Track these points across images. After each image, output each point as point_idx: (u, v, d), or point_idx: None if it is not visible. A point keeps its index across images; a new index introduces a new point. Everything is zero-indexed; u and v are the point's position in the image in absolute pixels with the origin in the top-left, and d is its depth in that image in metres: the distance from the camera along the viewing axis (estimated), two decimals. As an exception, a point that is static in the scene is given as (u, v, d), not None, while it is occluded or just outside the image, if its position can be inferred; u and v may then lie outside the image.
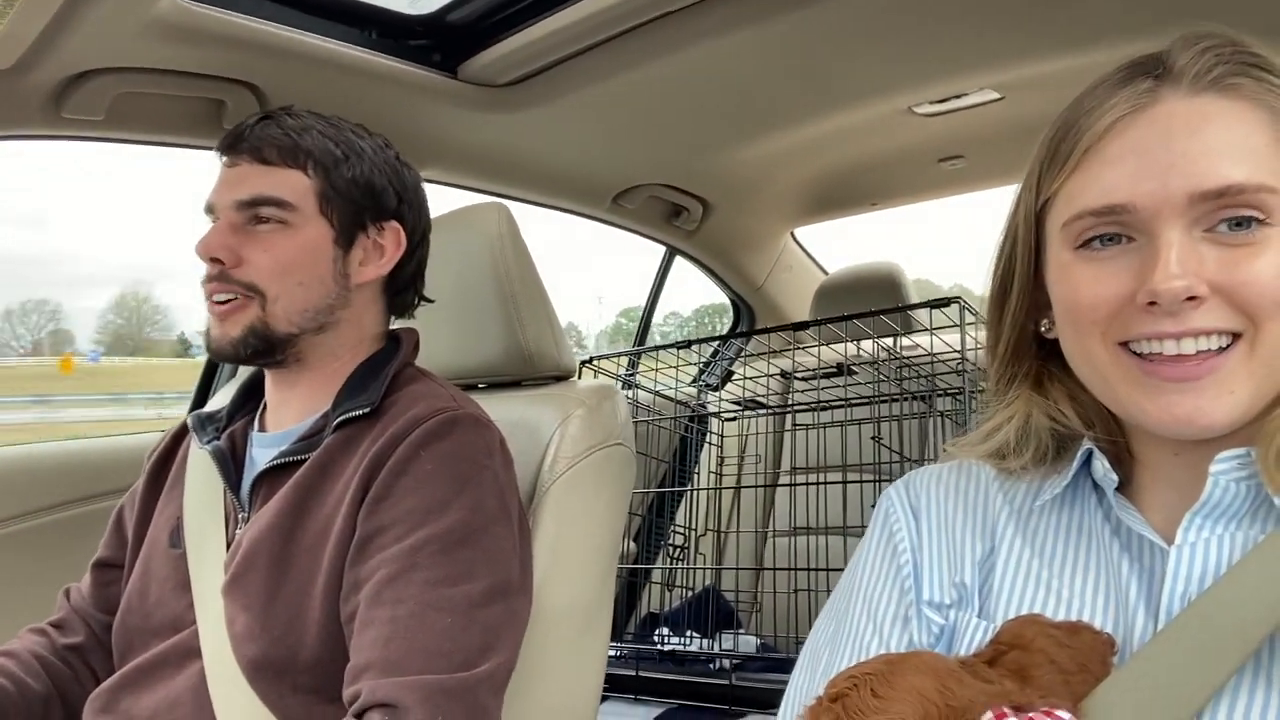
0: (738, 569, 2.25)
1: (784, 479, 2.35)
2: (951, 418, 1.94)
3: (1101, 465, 0.67)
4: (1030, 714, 0.54)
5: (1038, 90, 1.62)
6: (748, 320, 2.72)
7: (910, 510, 0.76)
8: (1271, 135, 0.60)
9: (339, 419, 0.98)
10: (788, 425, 2.36)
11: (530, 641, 0.97)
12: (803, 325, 1.79)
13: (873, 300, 2.18)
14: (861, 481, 1.87)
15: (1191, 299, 0.58)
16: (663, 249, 2.48)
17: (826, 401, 2.02)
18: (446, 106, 1.49)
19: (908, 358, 1.84)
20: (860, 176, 2.19)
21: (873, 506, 1.83)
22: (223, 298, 0.98)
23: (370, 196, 1.04)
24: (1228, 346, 0.59)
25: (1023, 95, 1.67)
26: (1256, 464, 0.60)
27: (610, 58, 1.41)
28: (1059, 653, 0.59)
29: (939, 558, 0.72)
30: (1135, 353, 0.62)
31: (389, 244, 1.06)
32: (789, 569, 1.88)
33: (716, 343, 2.56)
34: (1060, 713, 0.54)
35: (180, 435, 1.14)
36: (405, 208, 1.07)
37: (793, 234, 2.67)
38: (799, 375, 2.14)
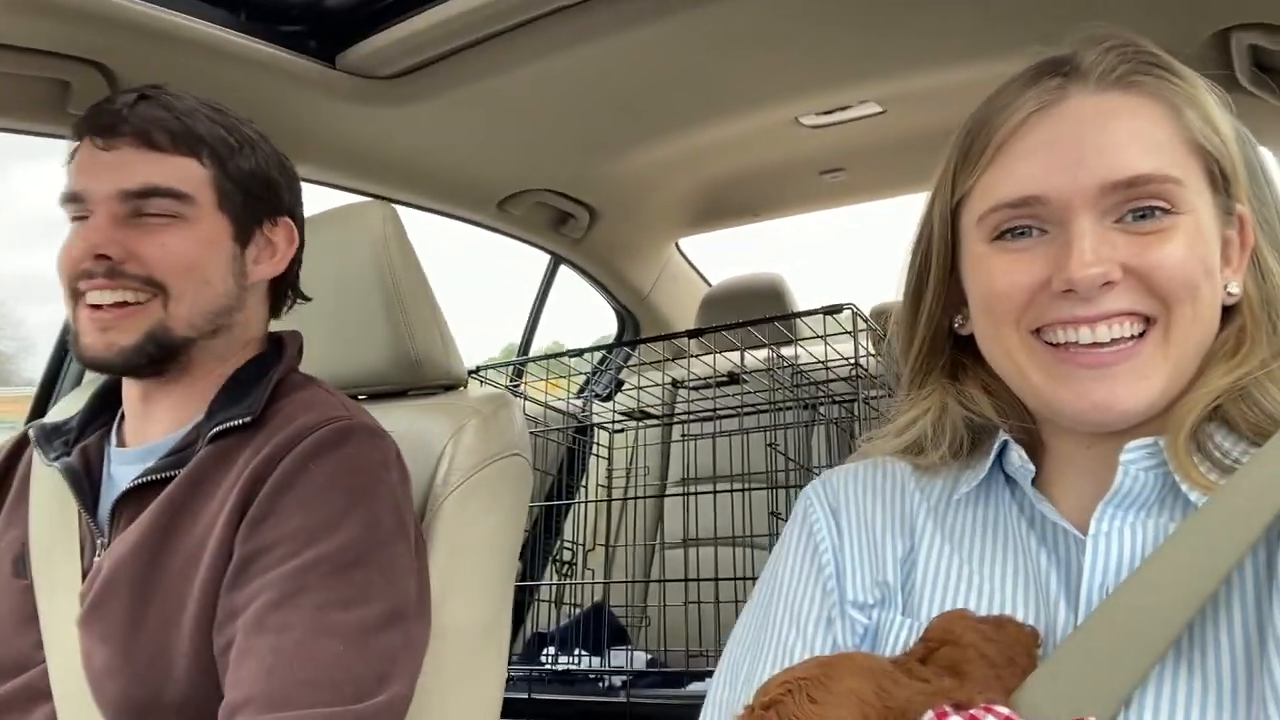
0: (630, 582, 2.21)
1: (674, 489, 2.34)
2: (843, 425, 1.97)
3: (1018, 456, 0.67)
4: (971, 711, 0.52)
5: (919, 104, 1.67)
6: (632, 331, 2.69)
7: (829, 509, 0.75)
8: (1173, 129, 0.62)
9: (214, 430, 0.89)
10: (677, 436, 2.35)
11: (425, 665, 0.90)
12: (697, 332, 1.79)
13: (758, 310, 2.19)
14: (749, 490, 1.87)
15: (1106, 284, 0.59)
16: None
17: (717, 411, 2.02)
18: (322, 98, 1.40)
19: (800, 365, 1.85)
20: (744, 187, 2.21)
21: (773, 514, 1.84)
22: (113, 299, 0.86)
23: (266, 190, 0.96)
24: (1142, 334, 0.61)
25: (904, 109, 1.71)
26: (1165, 453, 0.62)
27: (498, 54, 1.36)
28: (988, 647, 0.58)
29: (861, 557, 0.71)
30: (1049, 343, 0.63)
31: (281, 241, 0.98)
32: (681, 580, 1.85)
33: (603, 352, 2.53)
34: (999, 708, 0.53)
35: (19, 449, 1.01)
36: (296, 203, 1.01)
37: (677, 245, 2.67)
38: (690, 384, 2.13)
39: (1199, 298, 0.60)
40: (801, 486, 1.97)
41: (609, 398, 2.30)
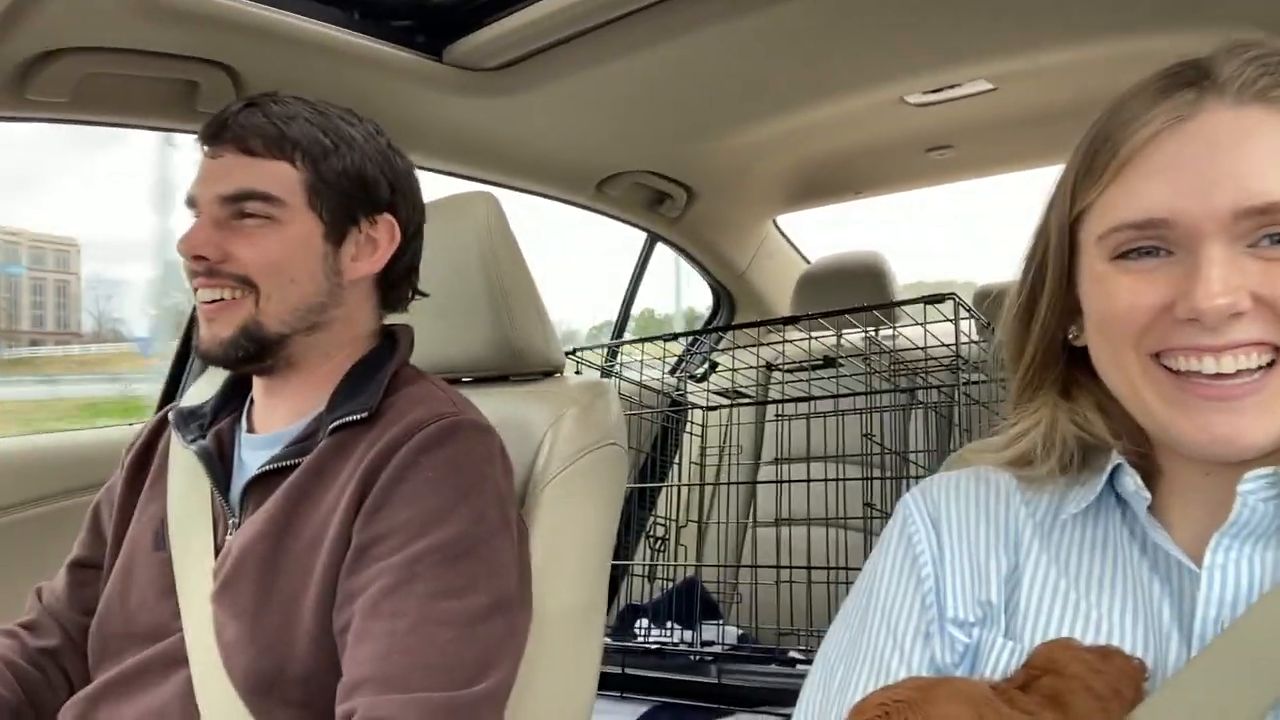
0: (721, 567, 2.23)
1: (765, 469, 2.34)
2: (941, 411, 1.93)
3: (1133, 481, 0.65)
4: None
5: (1031, 82, 1.60)
6: (728, 308, 2.69)
7: (930, 520, 0.73)
8: None
9: (334, 424, 0.94)
10: (770, 415, 2.34)
11: (526, 649, 0.94)
12: (793, 320, 1.77)
13: (856, 290, 2.16)
14: (844, 480, 1.86)
15: (1235, 315, 0.56)
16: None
17: (813, 394, 2.00)
18: (430, 90, 1.44)
19: (897, 351, 1.82)
20: (846, 165, 2.17)
21: (867, 504, 1.82)
22: (212, 295, 0.93)
23: (361, 188, 0.98)
24: (1269, 365, 0.58)
25: (1016, 86, 1.65)
26: None
27: (601, 44, 1.37)
28: (1094, 679, 0.57)
29: (962, 573, 0.70)
30: (1169, 368, 0.60)
31: (382, 238, 1.01)
32: (774, 567, 1.86)
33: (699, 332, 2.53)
34: (1103, 745, 0.52)
35: (159, 429, 1.08)
36: (399, 198, 1.02)
37: (775, 222, 2.65)
38: (784, 367, 2.12)
39: None
40: (897, 476, 1.96)
41: (703, 378, 2.31)
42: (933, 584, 0.69)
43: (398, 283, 1.06)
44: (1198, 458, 0.61)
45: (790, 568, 1.81)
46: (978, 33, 1.46)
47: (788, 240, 2.75)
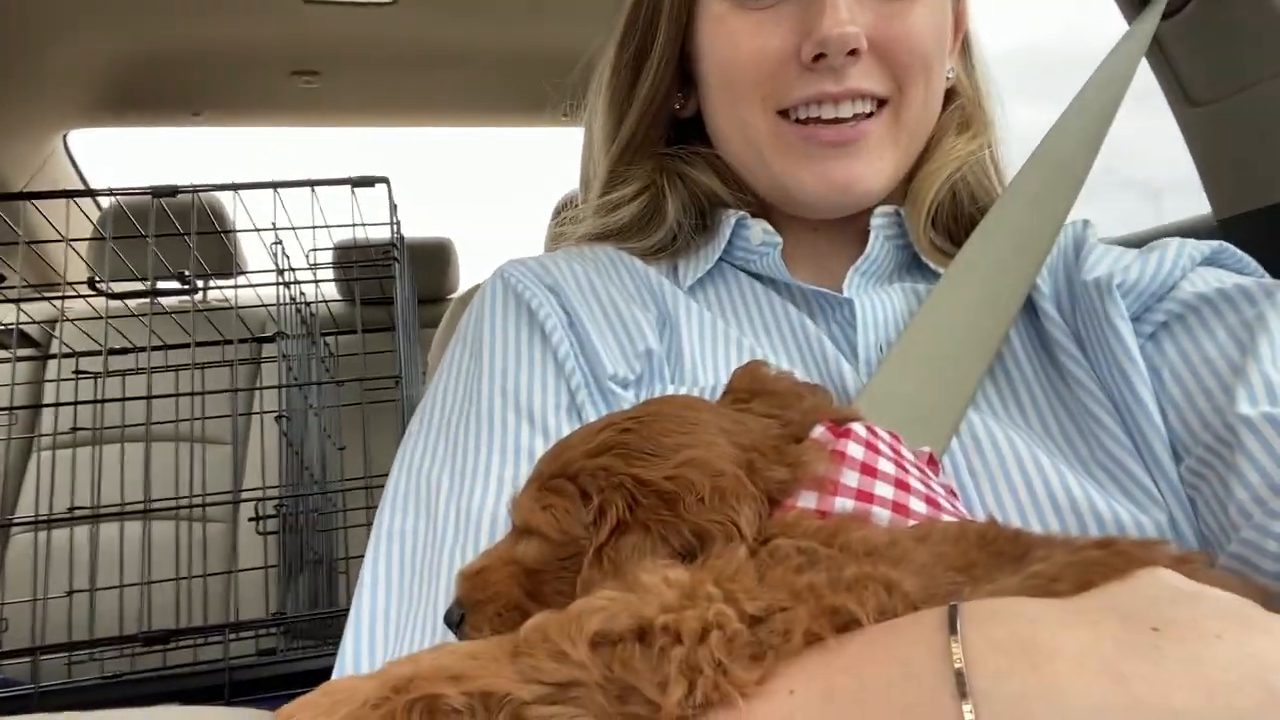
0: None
1: (45, 448, 1.72)
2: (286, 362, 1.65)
3: (760, 229, 0.62)
4: (865, 423, 0.42)
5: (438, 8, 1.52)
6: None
7: (545, 286, 0.59)
8: None
9: None
10: (50, 374, 1.75)
11: None
12: (170, 190, 1.27)
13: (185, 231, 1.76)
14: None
15: (853, 52, 0.55)
16: None
17: (139, 343, 1.53)
18: None
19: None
20: (188, 67, 1.78)
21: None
22: None
23: None
24: (875, 113, 0.58)
25: (417, 7, 1.54)
26: (906, 223, 0.61)
27: None
28: (802, 389, 0.48)
29: (607, 330, 0.57)
30: (794, 120, 0.58)
31: None
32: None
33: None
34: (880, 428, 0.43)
35: None
36: None
37: (65, 140, 2.05)
38: (110, 292, 1.59)
39: (932, 77, 0.59)
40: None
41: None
42: (569, 348, 0.56)
43: None
44: (819, 209, 0.61)
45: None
46: None
47: (78, 170, 2.15)
